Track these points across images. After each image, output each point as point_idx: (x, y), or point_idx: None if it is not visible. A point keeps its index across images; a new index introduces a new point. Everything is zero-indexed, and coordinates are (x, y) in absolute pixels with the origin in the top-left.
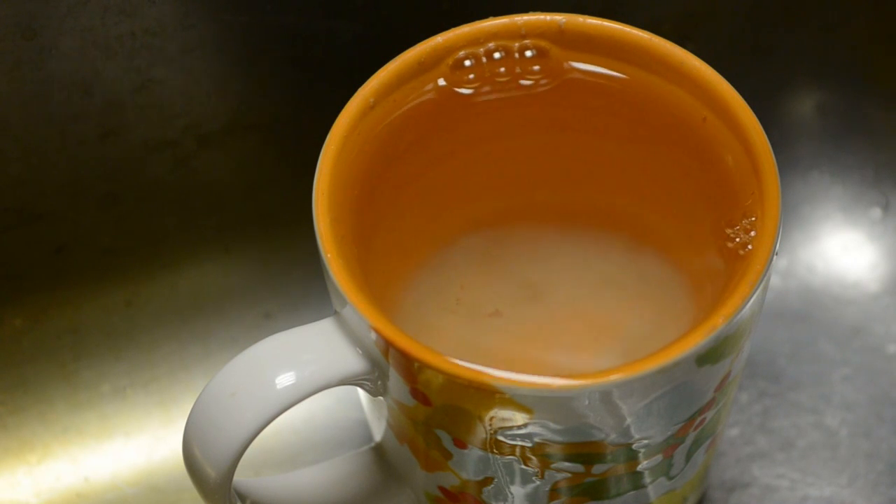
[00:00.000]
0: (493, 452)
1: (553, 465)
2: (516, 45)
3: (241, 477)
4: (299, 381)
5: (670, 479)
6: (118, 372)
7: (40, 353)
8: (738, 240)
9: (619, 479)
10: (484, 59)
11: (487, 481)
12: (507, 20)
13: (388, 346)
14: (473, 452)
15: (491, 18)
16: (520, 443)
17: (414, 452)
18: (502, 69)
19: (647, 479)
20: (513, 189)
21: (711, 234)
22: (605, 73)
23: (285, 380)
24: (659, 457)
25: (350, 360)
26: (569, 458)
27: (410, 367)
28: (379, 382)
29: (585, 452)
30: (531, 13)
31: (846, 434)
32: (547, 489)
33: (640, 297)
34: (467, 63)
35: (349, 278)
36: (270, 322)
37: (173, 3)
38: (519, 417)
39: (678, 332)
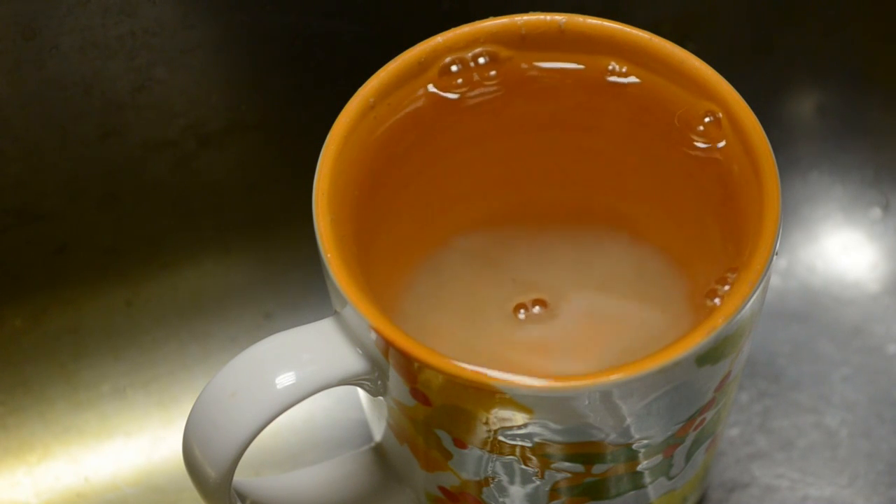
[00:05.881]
0: (493, 452)
1: (553, 465)
2: (503, 51)
3: (241, 477)
4: (299, 381)
5: (670, 479)
6: (118, 372)
7: (40, 353)
8: (738, 239)
9: (619, 479)
10: (472, 64)
11: (487, 481)
12: (508, 20)
13: (388, 346)
14: (473, 452)
15: (491, 18)
16: (520, 443)
17: (414, 452)
18: (492, 72)
19: (647, 479)
20: (513, 189)
21: (712, 233)
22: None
23: (285, 380)
24: (659, 457)
25: (350, 360)
26: (569, 458)
27: (410, 367)
28: (379, 382)
29: (585, 452)
30: (531, 13)
31: (846, 434)
32: (547, 489)
33: (640, 296)
34: (454, 69)
35: (349, 278)
36: (270, 322)
37: (173, 3)
38: (519, 417)
39: (678, 332)
